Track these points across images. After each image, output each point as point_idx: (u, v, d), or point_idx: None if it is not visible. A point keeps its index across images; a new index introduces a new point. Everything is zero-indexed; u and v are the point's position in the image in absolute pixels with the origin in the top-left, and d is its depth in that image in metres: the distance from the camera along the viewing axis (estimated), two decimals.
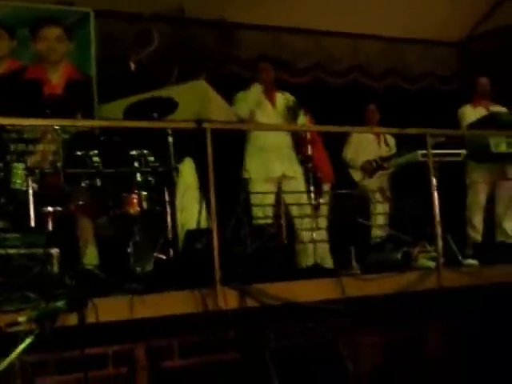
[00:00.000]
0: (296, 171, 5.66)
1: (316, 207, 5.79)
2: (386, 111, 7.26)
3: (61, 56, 5.93)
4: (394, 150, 7.04)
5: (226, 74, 7.07)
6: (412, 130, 4.81)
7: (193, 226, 4.75)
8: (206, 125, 4.04)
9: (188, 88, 6.11)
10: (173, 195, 4.87)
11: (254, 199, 5.37)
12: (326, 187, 6.30)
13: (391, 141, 7.18)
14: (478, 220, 6.54)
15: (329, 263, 6.34)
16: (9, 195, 4.53)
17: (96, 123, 4.74)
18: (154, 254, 4.69)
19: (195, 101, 6.13)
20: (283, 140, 5.64)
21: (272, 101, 5.86)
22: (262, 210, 5.10)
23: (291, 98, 5.85)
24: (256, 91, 5.84)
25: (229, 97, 6.08)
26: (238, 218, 4.30)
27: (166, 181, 4.82)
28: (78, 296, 2.39)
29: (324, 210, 6.14)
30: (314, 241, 5.07)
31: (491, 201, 6.69)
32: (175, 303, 3.86)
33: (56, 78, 5.91)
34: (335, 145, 6.91)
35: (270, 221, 5.05)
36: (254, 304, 4.07)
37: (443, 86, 8.55)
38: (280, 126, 5.30)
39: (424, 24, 7.95)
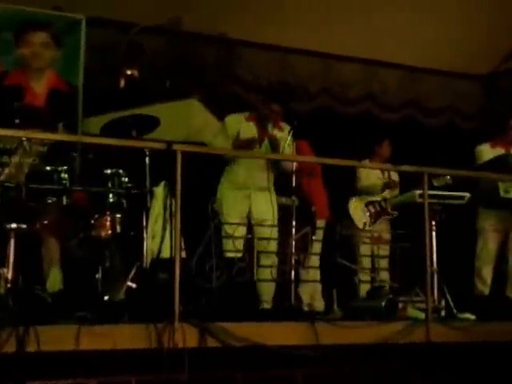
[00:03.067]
0: (269, 213, 5.63)
1: (306, 244, 5.81)
2: (399, 145, 7.29)
3: (46, 63, 6.01)
4: (397, 189, 7.04)
5: (225, 93, 7.13)
6: (407, 168, 4.82)
7: (166, 254, 4.78)
8: (176, 147, 4.06)
9: (177, 106, 6.21)
10: (146, 220, 4.95)
11: (226, 230, 5.39)
12: (321, 223, 6.31)
13: (396, 178, 7.15)
14: (486, 271, 6.44)
15: (320, 306, 6.34)
16: None
17: (57, 137, 4.78)
18: (127, 283, 4.74)
19: (183, 121, 6.23)
20: (260, 178, 5.64)
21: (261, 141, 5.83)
22: (233, 243, 5.12)
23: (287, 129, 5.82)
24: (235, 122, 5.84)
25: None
26: (205, 249, 4.31)
27: (140, 204, 4.89)
28: None
29: (317, 247, 6.17)
30: (273, 280, 5.08)
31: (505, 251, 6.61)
32: (127, 337, 3.87)
33: (39, 87, 5.99)
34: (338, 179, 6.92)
35: (240, 255, 5.06)
36: (215, 344, 4.07)
37: (465, 122, 8.55)
38: (260, 154, 5.30)
39: (448, 54, 7.98)
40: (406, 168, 4.89)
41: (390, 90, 8.24)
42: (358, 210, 6.81)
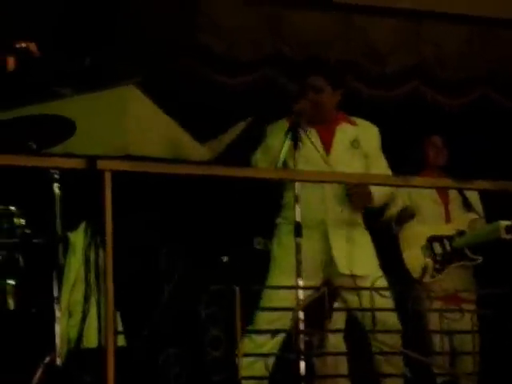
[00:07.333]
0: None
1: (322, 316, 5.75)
2: (467, 144, 7.31)
3: None
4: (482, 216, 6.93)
5: (182, 73, 7.10)
6: (481, 184, 4.73)
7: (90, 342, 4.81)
8: (102, 164, 4.00)
9: (104, 99, 6.16)
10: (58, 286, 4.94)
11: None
12: None
13: (475, 199, 6.96)
14: None
15: None
16: None
17: None
18: None
19: (114, 123, 6.18)
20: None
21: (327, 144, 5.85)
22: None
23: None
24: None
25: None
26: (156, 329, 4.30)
27: (46, 261, 4.90)
28: None
29: (340, 320, 6.08)
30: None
31: None
32: None
33: None
34: None
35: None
36: None
37: None
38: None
39: None
40: (479, 185, 4.80)
41: (450, 57, 8.20)
42: (412, 250, 6.70)
